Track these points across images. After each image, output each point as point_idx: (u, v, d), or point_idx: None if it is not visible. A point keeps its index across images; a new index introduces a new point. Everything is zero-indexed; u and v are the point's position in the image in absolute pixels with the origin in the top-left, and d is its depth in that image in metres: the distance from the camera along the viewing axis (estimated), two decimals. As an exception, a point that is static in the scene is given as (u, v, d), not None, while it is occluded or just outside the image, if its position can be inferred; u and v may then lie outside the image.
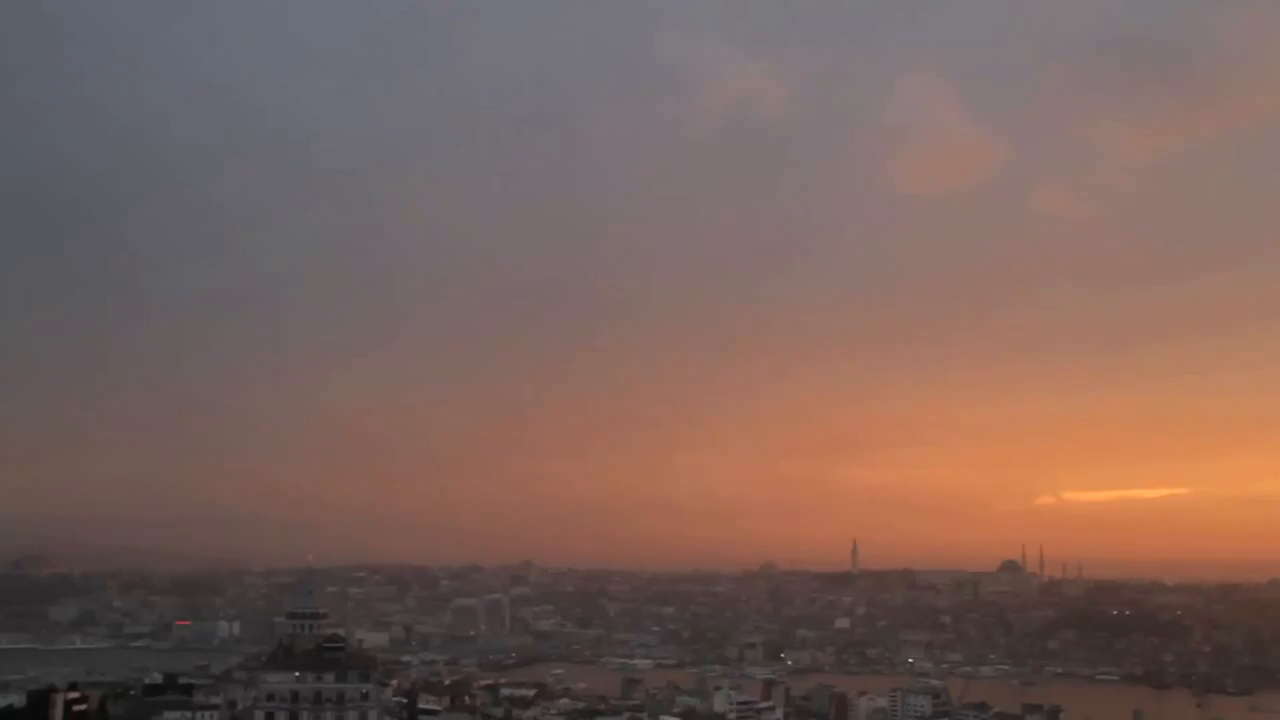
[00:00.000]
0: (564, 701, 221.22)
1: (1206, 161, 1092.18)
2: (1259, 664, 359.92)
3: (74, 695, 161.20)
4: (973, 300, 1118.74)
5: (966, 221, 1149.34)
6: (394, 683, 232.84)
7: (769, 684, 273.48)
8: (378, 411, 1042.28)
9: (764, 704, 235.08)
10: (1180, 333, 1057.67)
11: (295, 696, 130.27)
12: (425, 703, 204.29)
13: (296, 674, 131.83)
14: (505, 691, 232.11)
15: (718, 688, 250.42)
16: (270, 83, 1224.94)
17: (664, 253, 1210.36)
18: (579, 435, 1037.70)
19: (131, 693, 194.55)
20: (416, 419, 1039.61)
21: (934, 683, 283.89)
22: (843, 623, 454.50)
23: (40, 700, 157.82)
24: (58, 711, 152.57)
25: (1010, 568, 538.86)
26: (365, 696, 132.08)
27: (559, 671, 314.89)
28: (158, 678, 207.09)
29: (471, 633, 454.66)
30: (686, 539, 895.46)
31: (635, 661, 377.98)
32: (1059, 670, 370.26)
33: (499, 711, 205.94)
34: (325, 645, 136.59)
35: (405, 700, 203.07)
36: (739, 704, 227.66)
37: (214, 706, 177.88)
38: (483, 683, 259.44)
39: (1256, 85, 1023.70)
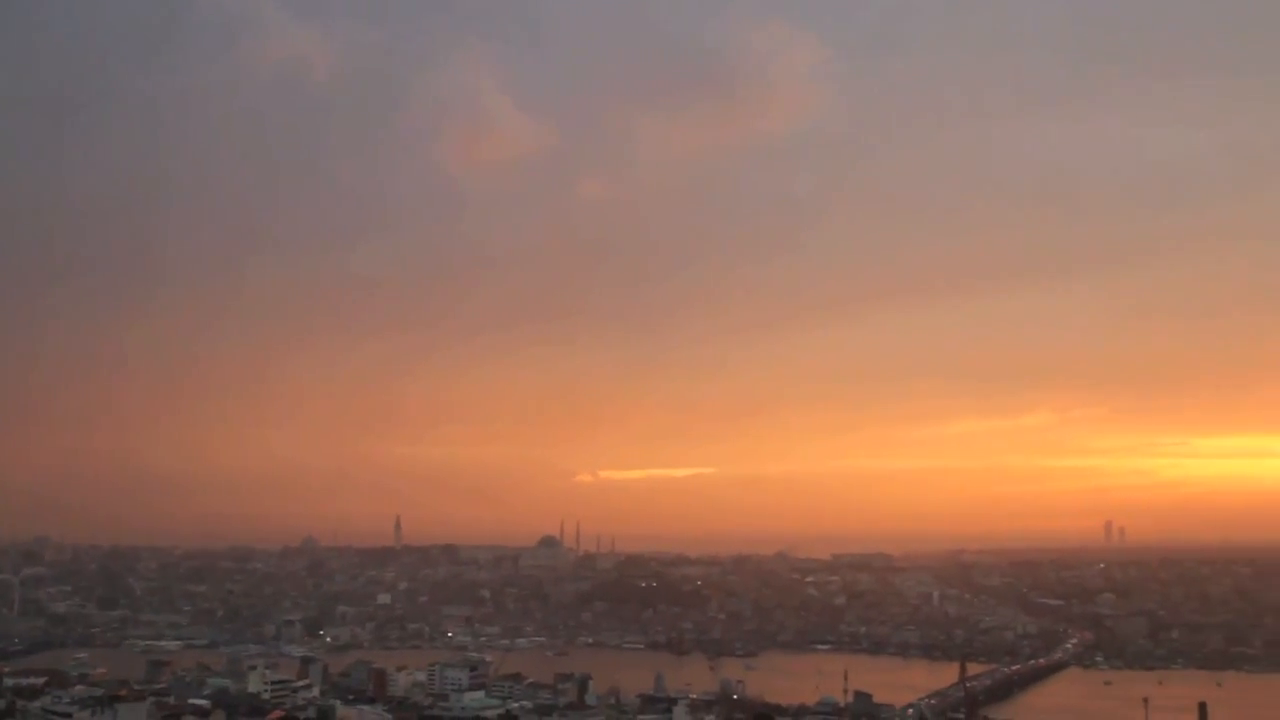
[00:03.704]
0: (79, 689, 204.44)
1: (734, 161, 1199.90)
2: (763, 628, 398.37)
3: None
4: (520, 280, 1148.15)
5: (512, 202, 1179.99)
6: None
7: (306, 662, 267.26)
8: None
9: (300, 683, 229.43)
10: (708, 322, 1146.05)
11: None
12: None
13: None
14: (10, 681, 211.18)
15: (252, 667, 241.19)
16: None
17: (231, 223, 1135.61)
18: (114, 409, 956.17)
19: None
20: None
21: (472, 655, 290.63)
22: (384, 598, 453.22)
23: None
24: None
25: (548, 543, 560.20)
26: None
27: (82, 656, 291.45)
28: None
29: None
30: (223, 514, 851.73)
31: (163, 643, 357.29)
32: (591, 640, 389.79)
33: (1, 703, 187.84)
34: None
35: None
36: (274, 683, 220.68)
37: None
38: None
39: (777, 97, 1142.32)
